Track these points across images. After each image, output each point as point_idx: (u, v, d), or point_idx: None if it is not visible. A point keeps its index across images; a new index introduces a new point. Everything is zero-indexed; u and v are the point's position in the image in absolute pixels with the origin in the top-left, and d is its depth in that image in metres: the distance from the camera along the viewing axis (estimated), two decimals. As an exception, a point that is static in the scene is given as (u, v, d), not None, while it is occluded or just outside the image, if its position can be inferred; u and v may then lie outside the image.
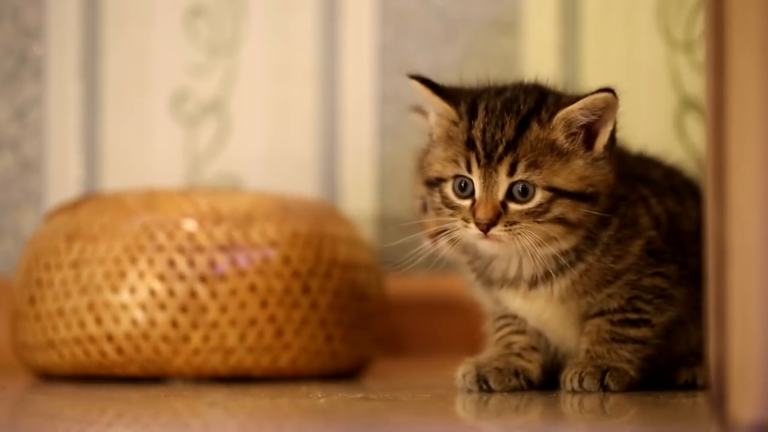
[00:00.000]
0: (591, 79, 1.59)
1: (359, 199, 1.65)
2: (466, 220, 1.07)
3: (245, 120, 1.68)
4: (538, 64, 1.60)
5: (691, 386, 1.10)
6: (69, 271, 1.25)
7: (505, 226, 1.05)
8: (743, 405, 0.79)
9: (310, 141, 1.66)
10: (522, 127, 1.06)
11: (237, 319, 1.22)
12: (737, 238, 0.80)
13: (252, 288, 1.23)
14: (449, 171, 1.08)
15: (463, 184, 1.07)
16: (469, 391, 1.07)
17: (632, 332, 1.07)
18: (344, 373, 1.29)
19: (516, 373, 1.09)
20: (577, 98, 1.08)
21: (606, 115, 1.07)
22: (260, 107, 1.68)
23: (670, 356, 1.11)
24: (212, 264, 1.23)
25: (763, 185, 0.79)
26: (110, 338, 1.23)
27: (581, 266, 1.06)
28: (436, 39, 1.63)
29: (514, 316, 1.11)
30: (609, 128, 1.07)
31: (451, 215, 1.08)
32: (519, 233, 1.05)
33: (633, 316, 1.08)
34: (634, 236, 1.07)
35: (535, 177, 1.05)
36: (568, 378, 1.06)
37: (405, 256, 1.11)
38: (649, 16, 1.57)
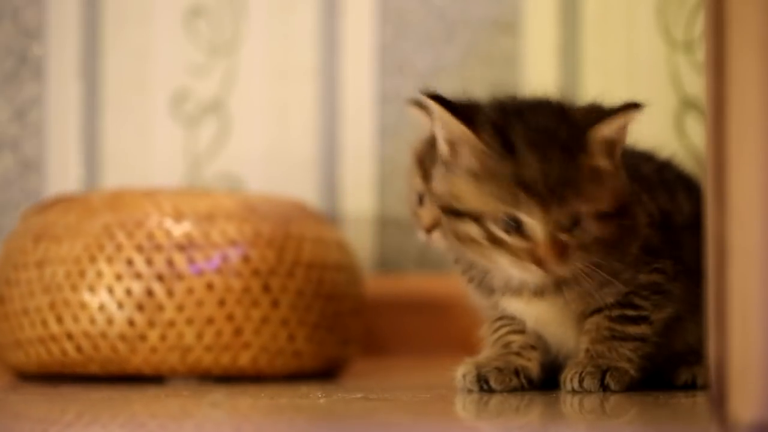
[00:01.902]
0: (591, 79, 1.59)
1: (359, 199, 1.65)
2: (518, 258, 1.02)
3: (245, 120, 1.68)
4: (538, 64, 1.61)
5: (691, 386, 1.10)
6: (34, 271, 1.26)
7: (566, 261, 1.02)
8: (743, 405, 0.79)
9: (310, 141, 1.66)
10: (570, 159, 1.02)
11: (194, 318, 1.22)
12: (737, 238, 0.80)
13: (209, 287, 1.23)
14: (493, 209, 1.03)
15: (514, 223, 1.02)
16: (470, 391, 1.07)
17: (632, 329, 1.07)
18: (311, 373, 1.28)
19: (516, 372, 1.08)
20: (605, 114, 1.05)
21: (629, 125, 1.06)
22: (260, 107, 1.68)
23: (669, 355, 1.11)
24: (171, 263, 1.24)
25: (763, 185, 0.79)
26: (70, 337, 1.24)
27: (588, 270, 1.05)
28: (436, 39, 1.63)
29: (513, 317, 1.11)
30: (626, 136, 1.06)
31: (494, 251, 1.04)
32: (574, 265, 1.03)
33: (631, 312, 1.07)
34: (633, 235, 1.06)
35: (586, 207, 1.02)
36: (568, 378, 1.06)
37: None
38: (649, 16, 1.57)
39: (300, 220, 1.30)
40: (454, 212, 1.05)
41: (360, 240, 1.65)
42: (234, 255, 1.25)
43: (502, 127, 1.04)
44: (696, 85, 1.55)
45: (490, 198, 1.03)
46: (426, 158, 1.20)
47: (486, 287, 1.10)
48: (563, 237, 1.02)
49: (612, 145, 1.04)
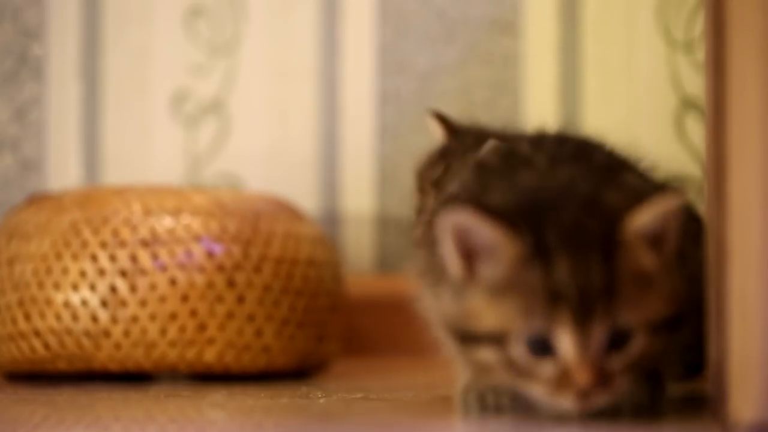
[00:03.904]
0: (591, 79, 1.59)
1: (359, 199, 1.65)
2: (552, 388, 0.84)
3: (245, 120, 1.68)
4: (538, 64, 1.61)
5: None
6: (5, 268, 1.27)
7: (609, 390, 0.83)
8: (743, 405, 0.79)
9: (310, 141, 1.66)
10: (610, 259, 0.83)
11: (157, 314, 1.23)
12: (737, 238, 0.80)
13: (172, 282, 1.24)
14: (518, 327, 0.84)
15: (542, 343, 0.83)
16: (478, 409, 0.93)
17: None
18: (283, 369, 1.28)
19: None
20: (641, 200, 0.85)
21: (675, 214, 0.86)
22: (260, 107, 1.68)
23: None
24: (134, 259, 1.24)
25: (763, 185, 0.79)
26: (37, 334, 1.25)
27: None
28: (436, 39, 1.63)
29: None
30: (676, 228, 0.86)
31: (518, 380, 0.85)
32: (619, 389, 0.84)
33: None
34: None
35: (633, 317, 0.83)
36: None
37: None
38: (649, 16, 1.57)
39: (271, 216, 1.30)
40: (467, 337, 0.87)
41: (360, 240, 1.65)
42: (198, 250, 1.25)
43: (538, 227, 0.84)
44: (696, 85, 1.55)
45: (513, 314, 0.84)
46: (424, 171, 1.19)
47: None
48: (604, 360, 0.83)
49: (658, 239, 0.86)
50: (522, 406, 0.91)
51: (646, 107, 1.56)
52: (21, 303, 1.26)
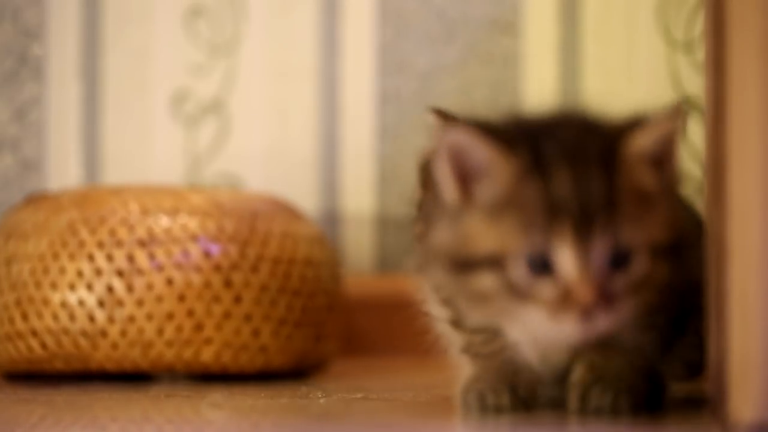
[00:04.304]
0: (591, 79, 1.59)
1: (359, 199, 1.65)
2: (553, 309, 0.80)
3: (245, 120, 1.68)
4: (538, 64, 1.61)
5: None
6: (2, 268, 1.28)
7: (614, 311, 0.80)
8: (743, 405, 0.79)
9: (310, 141, 1.66)
10: (610, 175, 0.81)
11: (154, 313, 1.22)
12: (737, 238, 0.80)
13: (169, 282, 1.23)
14: (516, 246, 0.81)
15: (541, 261, 0.80)
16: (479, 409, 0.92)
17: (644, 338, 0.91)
18: (281, 369, 1.28)
19: (516, 386, 0.93)
20: (641, 122, 0.84)
21: (676, 137, 0.84)
22: (260, 107, 1.68)
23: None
24: (131, 258, 1.24)
25: (763, 185, 0.79)
26: (35, 334, 1.24)
27: None
28: (436, 39, 1.63)
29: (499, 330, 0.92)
30: (676, 152, 0.85)
31: (517, 305, 0.82)
32: (622, 314, 0.81)
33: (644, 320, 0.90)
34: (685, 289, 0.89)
35: (635, 236, 0.81)
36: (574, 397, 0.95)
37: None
38: (649, 16, 1.57)
39: (268, 216, 1.30)
40: (462, 264, 0.83)
41: (359, 240, 1.65)
42: (195, 250, 1.25)
43: (536, 144, 0.82)
44: (696, 85, 1.55)
45: (511, 233, 0.81)
46: (428, 166, 1.18)
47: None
48: (607, 278, 0.80)
49: (659, 161, 0.84)
50: (522, 407, 0.92)
51: (646, 107, 1.56)
52: (18, 303, 1.26)
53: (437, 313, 0.94)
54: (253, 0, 1.68)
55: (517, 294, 0.81)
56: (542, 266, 0.81)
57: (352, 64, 1.66)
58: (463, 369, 0.95)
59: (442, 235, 0.85)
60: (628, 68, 1.57)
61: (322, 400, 1.05)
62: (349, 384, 1.24)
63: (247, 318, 1.26)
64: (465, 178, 0.84)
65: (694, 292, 0.95)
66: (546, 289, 0.81)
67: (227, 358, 1.26)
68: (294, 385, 1.22)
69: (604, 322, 0.81)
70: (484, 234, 0.82)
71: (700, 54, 1.54)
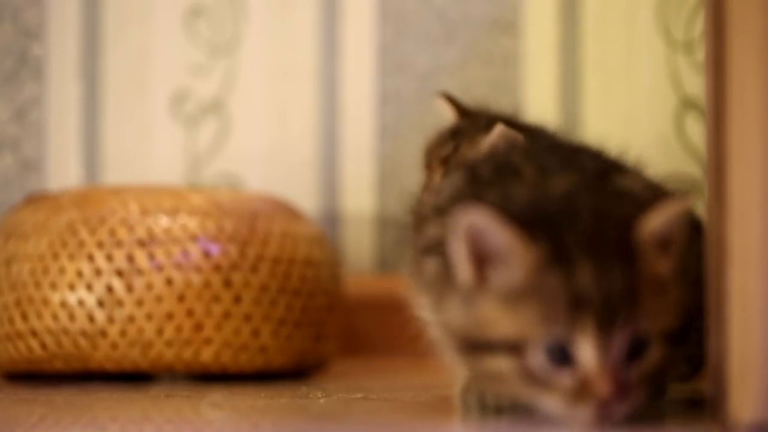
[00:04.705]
0: (591, 79, 1.59)
1: (359, 199, 1.65)
2: (570, 399, 0.81)
3: (245, 120, 1.68)
4: (538, 64, 1.60)
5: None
6: (2, 268, 1.28)
7: (628, 401, 0.81)
8: (743, 405, 0.79)
9: (310, 141, 1.66)
10: (629, 265, 0.81)
11: (153, 313, 1.22)
12: (737, 238, 0.80)
13: (169, 282, 1.23)
14: (537, 334, 0.80)
15: (561, 351, 0.80)
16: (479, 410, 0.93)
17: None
18: (281, 369, 1.28)
19: None
20: (649, 206, 0.83)
21: (682, 220, 0.84)
22: (260, 107, 1.68)
23: None
24: (131, 258, 1.24)
25: (763, 185, 0.79)
26: (34, 334, 1.25)
27: None
28: (436, 39, 1.63)
29: None
30: (681, 234, 0.85)
31: (533, 390, 0.82)
32: (635, 402, 0.82)
33: None
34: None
35: (651, 324, 0.81)
36: None
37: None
38: (649, 16, 1.57)
39: (268, 216, 1.30)
40: (477, 345, 0.83)
41: (359, 240, 1.65)
42: (195, 250, 1.25)
43: (555, 232, 0.82)
44: (696, 85, 1.55)
45: (531, 321, 0.80)
46: (433, 148, 1.18)
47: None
48: (624, 370, 0.81)
49: (665, 245, 0.84)
50: (522, 407, 0.92)
51: (646, 107, 1.56)
52: (18, 303, 1.26)
53: (429, 317, 0.94)
54: (253, 0, 1.68)
55: (534, 381, 0.81)
56: (561, 356, 0.80)
57: (352, 64, 1.66)
58: (460, 370, 0.95)
59: (454, 314, 0.85)
60: (628, 68, 1.57)
61: (322, 400, 1.05)
62: (349, 384, 1.24)
63: (247, 318, 1.26)
64: (481, 260, 0.83)
65: (695, 291, 0.96)
66: (564, 379, 0.81)
67: (227, 358, 1.26)
68: (294, 385, 1.22)
69: (619, 411, 0.81)
70: (502, 319, 0.82)
71: (700, 54, 1.54)
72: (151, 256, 1.24)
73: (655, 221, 0.83)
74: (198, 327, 1.25)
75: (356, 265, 1.64)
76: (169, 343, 1.24)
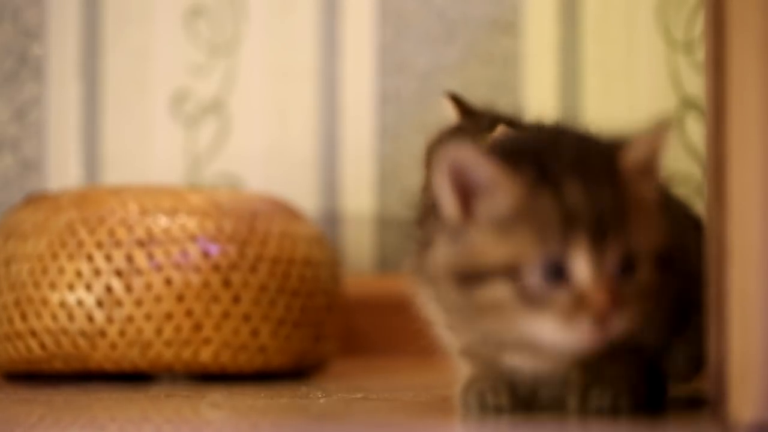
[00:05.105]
0: (591, 79, 1.59)
1: (359, 199, 1.65)
2: (568, 315, 0.82)
3: (245, 120, 1.68)
4: (538, 64, 1.60)
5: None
6: (2, 268, 1.28)
7: (624, 315, 0.82)
8: (743, 405, 0.79)
9: (310, 141, 1.66)
10: (616, 186, 0.84)
11: (152, 313, 1.22)
12: (737, 238, 0.80)
13: (168, 282, 1.23)
14: (532, 255, 0.82)
15: (556, 269, 0.82)
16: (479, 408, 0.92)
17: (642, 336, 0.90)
18: (280, 369, 1.28)
19: (515, 386, 0.93)
20: (631, 137, 0.87)
21: (662, 150, 0.88)
22: (260, 107, 1.68)
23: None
24: (130, 258, 1.24)
25: (763, 185, 0.79)
26: (33, 334, 1.25)
27: None
28: (436, 39, 1.63)
29: None
30: (660, 162, 0.88)
31: (529, 315, 0.83)
32: (631, 320, 0.83)
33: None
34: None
35: (640, 243, 0.83)
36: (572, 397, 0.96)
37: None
38: (649, 16, 1.57)
39: (267, 216, 1.30)
40: (469, 276, 0.85)
41: (359, 240, 1.65)
42: (194, 250, 1.25)
43: (541, 158, 0.85)
44: (696, 85, 1.55)
45: (525, 243, 0.83)
46: (435, 146, 1.17)
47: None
48: (619, 283, 0.83)
49: (649, 172, 0.87)
50: (521, 406, 0.92)
51: (646, 107, 1.56)
52: (17, 303, 1.26)
53: (435, 317, 0.95)
54: (253, 0, 1.68)
55: (531, 302, 0.83)
56: (557, 274, 0.82)
57: (352, 64, 1.66)
58: (462, 370, 0.96)
59: (443, 251, 0.87)
60: (628, 68, 1.57)
61: (322, 400, 1.05)
62: (349, 384, 1.24)
63: (246, 318, 1.26)
64: (466, 194, 0.85)
65: (693, 287, 0.96)
66: (561, 295, 0.82)
67: (226, 358, 1.26)
68: (293, 385, 1.22)
69: (617, 327, 0.82)
70: (494, 246, 0.84)
71: (700, 54, 1.54)
72: (150, 256, 1.24)
73: (638, 148, 0.85)
74: (197, 327, 1.25)
75: (356, 265, 1.64)
76: (168, 343, 1.24)
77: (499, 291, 0.84)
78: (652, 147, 0.86)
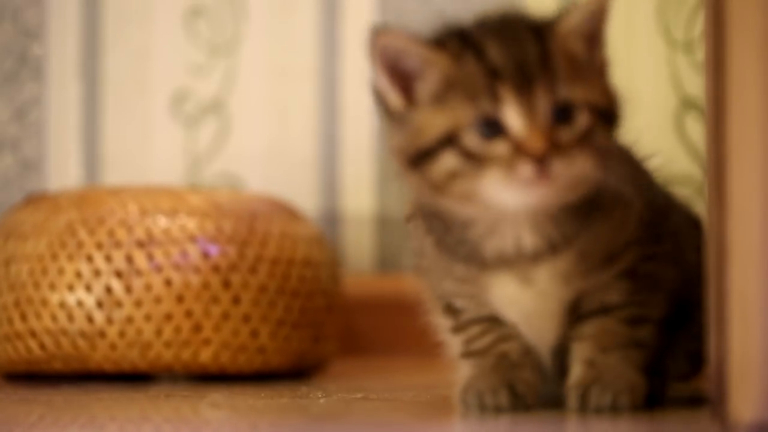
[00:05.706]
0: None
1: (359, 199, 1.65)
2: (509, 166, 0.84)
3: (245, 120, 1.68)
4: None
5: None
6: (1, 269, 1.28)
7: (565, 157, 0.84)
8: (743, 405, 0.79)
9: (310, 141, 1.66)
10: (542, 42, 0.87)
11: (152, 314, 1.22)
12: (737, 238, 0.80)
13: (168, 283, 1.23)
14: (465, 117, 0.86)
15: (491, 124, 0.85)
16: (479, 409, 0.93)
17: (640, 333, 0.93)
18: (279, 370, 1.28)
19: (514, 385, 0.93)
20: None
21: (604, 17, 0.90)
22: (260, 107, 1.68)
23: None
24: (130, 259, 1.24)
25: (763, 185, 0.79)
26: (33, 334, 1.25)
27: (587, 236, 0.90)
28: (436, 39, 1.63)
29: (494, 320, 0.95)
30: (605, 31, 0.90)
31: (478, 173, 0.85)
32: (576, 167, 0.85)
33: (637, 311, 0.93)
34: (628, 204, 0.91)
35: (574, 93, 0.86)
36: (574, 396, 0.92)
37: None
38: (649, 16, 1.57)
39: (267, 217, 1.30)
40: (421, 155, 0.87)
41: (359, 240, 1.65)
42: (193, 251, 1.25)
43: (467, 35, 0.89)
44: (696, 85, 1.55)
45: (458, 108, 0.86)
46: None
47: (479, 261, 0.91)
48: (554, 128, 0.85)
49: (591, 37, 0.89)
50: (521, 406, 0.92)
51: (646, 107, 1.56)
52: (17, 303, 1.26)
53: (440, 322, 0.98)
54: (253, 0, 1.68)
55: (475, 161, 0.85)
56: (493, 129, 0.85)
57: (352, 64, 1.65)
58: (462, 370, 0.96)
59: (395, 141, 0.90)
60: (628, 68, 1.57)
61: (322, 400, 1.05)
62: (349, 384, 1.24)
63: (246, 319, 1.26)
64: (403, 81, 0.89)
65: (692, 284, 0.96)
66: (499, 147, 0.85)
67: (225, 358, 1.26)
68: (293, 385, 1.22)
69: (559, 171, 0.84)
70: (433, 120, 0.87)
71: (700, 54, 1.54)
72: (150, 257, 1.24)
73: (575, 16, 0.88)
74: (197, 328, 1.25)
75: (356, 265, 1.64)
76: (167, 344, 1.24)
77: (446, 161, 0.86)
78: (591, 14, 0.89)
